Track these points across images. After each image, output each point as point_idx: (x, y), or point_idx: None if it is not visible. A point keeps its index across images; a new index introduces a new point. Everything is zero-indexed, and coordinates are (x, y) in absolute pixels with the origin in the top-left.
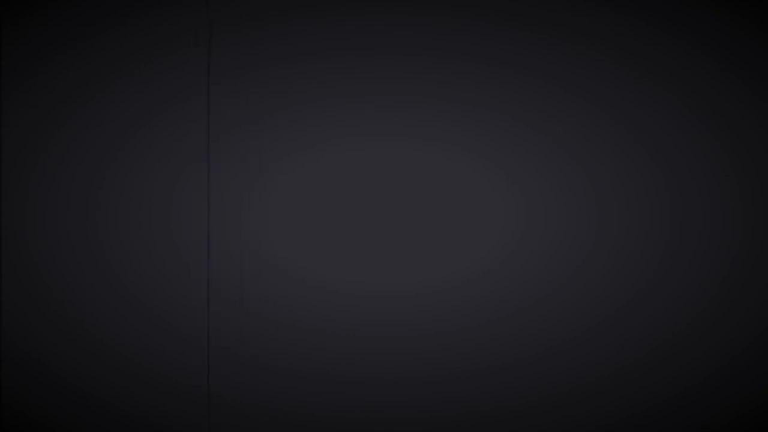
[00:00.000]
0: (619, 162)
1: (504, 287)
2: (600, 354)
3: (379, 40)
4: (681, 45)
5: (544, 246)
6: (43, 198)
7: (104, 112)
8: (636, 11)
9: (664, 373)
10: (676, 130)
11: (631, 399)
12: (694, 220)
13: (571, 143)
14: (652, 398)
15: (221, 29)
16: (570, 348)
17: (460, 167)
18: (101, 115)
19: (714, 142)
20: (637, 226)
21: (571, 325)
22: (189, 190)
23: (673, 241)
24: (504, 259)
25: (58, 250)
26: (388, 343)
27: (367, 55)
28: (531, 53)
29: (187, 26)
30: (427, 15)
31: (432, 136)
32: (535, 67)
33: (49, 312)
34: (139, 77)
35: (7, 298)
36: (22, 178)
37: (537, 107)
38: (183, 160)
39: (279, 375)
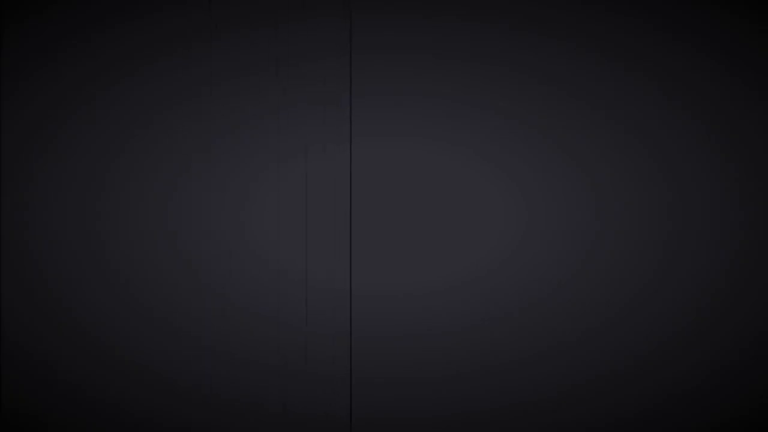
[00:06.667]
0: (619, 162)
1: (504, 287)
2: (600, 354)
3: (378, 40)
4: (680, 44)
5: (544, 246)
6: (43, 198)
7: (104, 112)
8: (636, 11)
9: (664, 374)
10: (676, 130)
11: (631, 400)
12: (694, 220)
13: (571, 143)
14: (652, 399)
15: (221, 29)
16: (570, 348)
17: (459, 167)
18: (101, 115)
19: (714, 142)
20: (637, 226)
21: (571, 325)
22: (189, 190)
23: (673, 241)
24: (504, 259)
25: (58, 250)
26: (388, 343)
27: (367, 55)
28: (531, 53)
29: (188, 26)
30: (427, 15)
31: (432, 136)
32: (534, 66)
33: (49, 312)
34: (139, 77)
35: (7, 298)
36: (22, 178)
37: (537, 107)
38: (183, 160)
39: (279, 375)
